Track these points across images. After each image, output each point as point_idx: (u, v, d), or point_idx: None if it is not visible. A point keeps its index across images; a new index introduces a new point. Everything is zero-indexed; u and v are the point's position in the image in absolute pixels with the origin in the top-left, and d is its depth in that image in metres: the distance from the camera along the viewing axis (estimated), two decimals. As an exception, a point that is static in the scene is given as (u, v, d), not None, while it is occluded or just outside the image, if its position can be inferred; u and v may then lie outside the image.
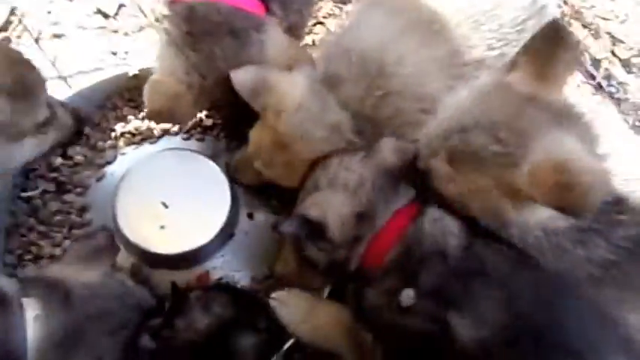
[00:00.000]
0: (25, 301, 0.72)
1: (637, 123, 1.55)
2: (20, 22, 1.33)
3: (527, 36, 0.83)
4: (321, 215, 0.78)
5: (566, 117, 0.71)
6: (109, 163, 1.10)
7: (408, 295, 0.71)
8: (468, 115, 0.73)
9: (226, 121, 1.12)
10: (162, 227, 0.95)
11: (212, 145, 1.12)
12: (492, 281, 0.69)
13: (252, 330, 0.80)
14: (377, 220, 0.79)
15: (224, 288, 0.87)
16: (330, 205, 0.79)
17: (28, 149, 0.86)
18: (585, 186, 0.62)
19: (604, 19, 1.69)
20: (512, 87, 0.73)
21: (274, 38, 0.93)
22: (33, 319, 0.70)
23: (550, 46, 0.72)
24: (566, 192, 0.63)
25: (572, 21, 1.68)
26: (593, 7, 1.70)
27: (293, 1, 1.01)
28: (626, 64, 1.63)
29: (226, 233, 1.02)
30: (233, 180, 1.02)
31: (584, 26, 1.68)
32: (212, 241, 0.98)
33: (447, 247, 0.72)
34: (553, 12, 1.09)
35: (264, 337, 0.80)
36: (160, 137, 1.13)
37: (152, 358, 0.74)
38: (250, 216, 1.07)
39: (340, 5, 1.49)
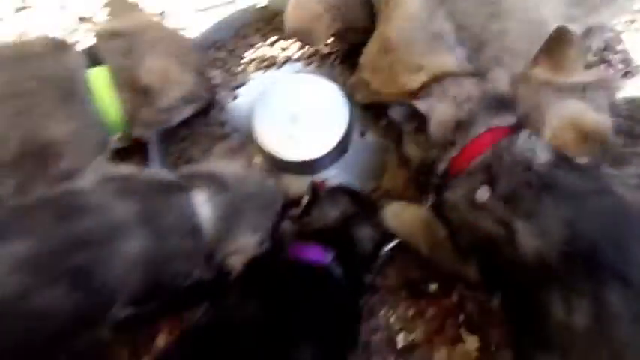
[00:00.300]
0: (193, 190, 0.91)
1: None
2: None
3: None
4: (428, 109, 0.88)
5: (572, 89, 0.89)
6: (240, 85, 1.28)
7: (482, 192, 0.79)
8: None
9: (349, 45, 1.22)
10: (289, 138, 1.11)
11: (329, 71, 1.25)
12: (564, 199, 0.74)
13: (368, 224, 0.94)
14: (473, 130, 0.86)
15: (346, 190, 1.02)
16: (436, 106, 0.89)
17: (185, 114, 1.11)
18: (596, 132, 0.85)
19: None
20: (532, 76, 0.92)
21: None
22: (203, 202, 0.88)
23: (559, 45, 0.90)
24: (584, 141, 0.85)
25: None
26: None
27: None
28: None
29: (341, 148, 1.16)
30: (350, 101, 1.15)
31: None
32: (329, 154, 1.13)
33: (535, 161, 0.78)
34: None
35: (378, 230, 0.95)
36: (283, 63, 1.28)
37: (292, 239, 0.92)
38: (363, 135, 1.20)
39: None
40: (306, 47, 1.29)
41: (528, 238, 0.73)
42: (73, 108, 0.95)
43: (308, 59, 1.28)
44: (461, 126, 0.88)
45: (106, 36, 0.99)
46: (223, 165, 0.99)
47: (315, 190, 0.97)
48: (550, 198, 0.74)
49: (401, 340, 1.14)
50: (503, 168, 0.80)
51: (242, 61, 1.30)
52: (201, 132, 1.24)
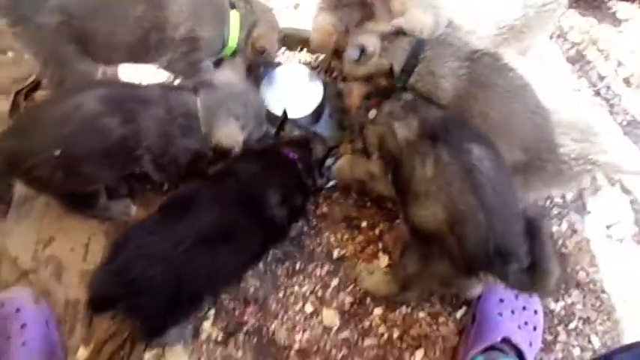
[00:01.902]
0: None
1: (623, 123, 2.06)
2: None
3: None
4: (361, 45, 1.51)
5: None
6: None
7: (372, 113, 1.44)
8: None
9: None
10: (282, 102, 1.72)
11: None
12: (420, 111, 1.36)
13: (321, 143, 1.56)
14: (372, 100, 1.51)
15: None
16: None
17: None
18: None
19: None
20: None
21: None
22: (199, 100, 1.46)
23: None
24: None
25: (589, 46, 2.25)
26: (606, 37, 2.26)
27: None
28: (626, 81, 2.15)
29: (314, 117, 1.79)
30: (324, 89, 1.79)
31: (598, 50, 2.23)
32: (306, 117, 1.75)
33: (402, 99, 1.43)
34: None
35: (325, 148, 1.56)
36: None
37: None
38: (330, 116, 1.84)
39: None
40: (303, 58, 1.94)
41: (401, 131, 1.33)
42: (218, 26, 1.62)
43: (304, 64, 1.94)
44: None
45: None
46: (219, 74, 1.59)
47: (285, 116, 1.60)
48: (410, 111, 1.37)
49: (336, 253, 1.65)
50: (385, 106, 1.43)
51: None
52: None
